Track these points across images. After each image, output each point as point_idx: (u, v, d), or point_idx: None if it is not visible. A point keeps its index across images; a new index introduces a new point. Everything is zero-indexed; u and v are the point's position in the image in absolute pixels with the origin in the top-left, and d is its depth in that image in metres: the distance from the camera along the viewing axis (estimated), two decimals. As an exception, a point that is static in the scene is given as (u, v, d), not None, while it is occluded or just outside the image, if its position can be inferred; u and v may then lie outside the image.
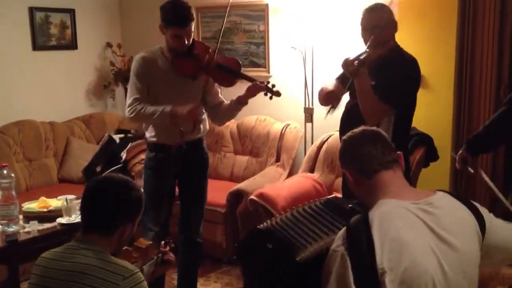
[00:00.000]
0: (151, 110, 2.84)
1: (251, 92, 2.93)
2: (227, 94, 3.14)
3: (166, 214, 3.07)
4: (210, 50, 2.96)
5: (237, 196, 3.72)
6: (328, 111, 2.78)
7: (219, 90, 3.11)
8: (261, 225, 1.72)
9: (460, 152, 2.88)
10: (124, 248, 1.99)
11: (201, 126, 3.05)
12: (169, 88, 2.92)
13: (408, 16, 3.70)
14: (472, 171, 2.77)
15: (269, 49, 4.39)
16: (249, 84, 2.94)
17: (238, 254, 1.81)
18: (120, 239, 1.85)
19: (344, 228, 1.47)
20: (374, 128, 1.72)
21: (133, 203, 1.86)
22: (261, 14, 4.40)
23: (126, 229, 1.85)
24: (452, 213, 1.51)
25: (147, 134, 3.04)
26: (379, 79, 2.64)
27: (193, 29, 2.84)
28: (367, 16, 2.72)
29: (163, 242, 2.25)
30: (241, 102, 2.98)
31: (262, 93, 2.92)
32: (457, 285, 1.43)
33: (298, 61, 4.12)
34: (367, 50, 2.63)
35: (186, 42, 2.83)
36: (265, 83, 2.92)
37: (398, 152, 1.64)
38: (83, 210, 1.84)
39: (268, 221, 1.73)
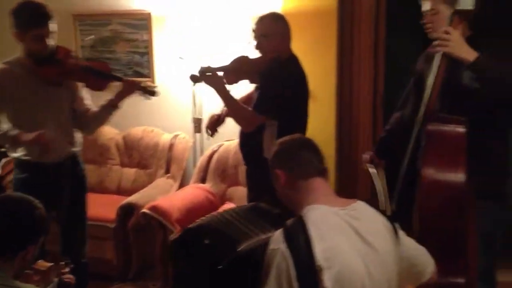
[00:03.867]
0: None
1: (125, 92, 2.83)
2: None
3: None
4: (72, 54, 2.81)
5: (127, 210, 3.60)
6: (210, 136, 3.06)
7: (86, 97, 2.96)
8: (193, 224, 1.71)
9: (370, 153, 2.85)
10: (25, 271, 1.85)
11: (75, 140, 2.92)
12: (32, 98, 2.73)
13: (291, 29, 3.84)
14: (369, 168, 2.76)
15: (154, 59, 4.32)
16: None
17: (173, 254, 1.77)
18: (22, 262, 1.72)
19: (280, 230, 1.50)
20: (308, 138, 1.82)
21: (36, 223, 1.74)
22: (144, 23, 4.31)
23: (29, 251, 1.72)
24: (372, 218, 1.62)
25: (16, 154, 2.80)
26: (259, 88, 2.77)
27: (54, 29, 2.66)
28: (255, 25, 2.82)
29: (62, 263, 2.13)
30: (113, 105, 2.86)
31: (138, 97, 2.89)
32: (380, 286, 1.52)
33: (185, 71, 4.09)
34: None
35: (48, 43, 2.64)
36: (139, 82, 2.85)
37: None
38: (-19, 233, 1.68)
39: (198, 220, 1.72)
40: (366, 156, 2.86)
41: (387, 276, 1.55)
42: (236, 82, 2.81)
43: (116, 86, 2.91)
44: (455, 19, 2.12)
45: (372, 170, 2.79)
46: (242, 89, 3.06)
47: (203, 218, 1.76)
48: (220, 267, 1.51)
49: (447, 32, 2.08)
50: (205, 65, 2.75)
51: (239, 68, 2.79)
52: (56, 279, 2.01)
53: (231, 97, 2.74)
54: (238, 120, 2.75)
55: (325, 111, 3.85)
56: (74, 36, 4.53)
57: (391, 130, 2.74)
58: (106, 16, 4.42)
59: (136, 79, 4.19)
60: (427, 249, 1.76)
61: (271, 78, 2.70)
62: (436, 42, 2.13)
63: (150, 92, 2.85)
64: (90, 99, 2.99)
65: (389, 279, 1.57)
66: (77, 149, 2.94)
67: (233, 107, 2.74)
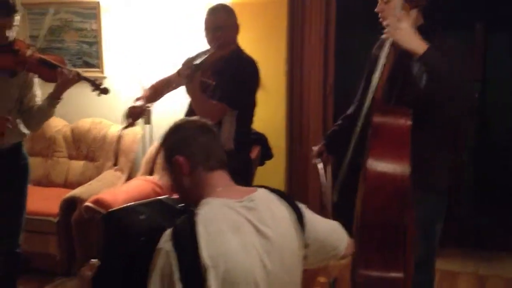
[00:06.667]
0: None
1: (65, 83, 2.74)
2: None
3: None
4: (31, 47, 2.78)
5: (71, 204, 3.50)
6: (125, 127, 2.87)
7: (38, 94, 2.89)
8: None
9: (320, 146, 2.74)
10: None
11: (21, 129, 2.85)
12: None
13: (240, 18, 3.77)
14: (317, 164, 2.67)
15: (103, 48, 4.22)
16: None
17: (106, 223, 1.71)
18: None
19: (170, 228, 1.44)
20: (209, 123, 1.66)
21: None
22: (93, 12, 4.21)
23: None
24: (270, 207, 1.54)
25: None
26: (220, 80, 2.70)
27: (16, 23, 2.63)
28: (209, 17, 2.75)
29: None
30: (54, 97, 2.79)
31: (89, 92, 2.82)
32: (277, 278, 1.46)
33: (134, 61, 4.01)
34: (210, 50, 2.67)
35: (8, 34, 2.60)
36: (94, 80, 2.83)
37: None
38: None
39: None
40: (315, 148, 2.76)
41: (286, 265, 1.50)
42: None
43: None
44: (405, 5, 2.03)
45: (319, 166, 2.72)
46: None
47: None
48: (142, 238, 1.49)
49: (397, 20, 1.99)
50: (191, 60, 2.57)
51: (211, 64, 2.68)
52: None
53: (203, 94, 2.65)
54: (204, 115, 2.65)
55: (275, 101, 3.81)
56: (23, 24, 4.41)
57: (342, 125, 2.64)
58: (55, 5, 4.31)
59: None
60: (366, 243, 1.69)
61: (233, 69, 2.69)
62: (385, 29, 2.06)
63: (102, 90, 2.84)
64: (40, 98, 2.92)
65: (289, 268, 1.51)
66: (20, 140, 2.88)
67: (204, 103, 2.64)
